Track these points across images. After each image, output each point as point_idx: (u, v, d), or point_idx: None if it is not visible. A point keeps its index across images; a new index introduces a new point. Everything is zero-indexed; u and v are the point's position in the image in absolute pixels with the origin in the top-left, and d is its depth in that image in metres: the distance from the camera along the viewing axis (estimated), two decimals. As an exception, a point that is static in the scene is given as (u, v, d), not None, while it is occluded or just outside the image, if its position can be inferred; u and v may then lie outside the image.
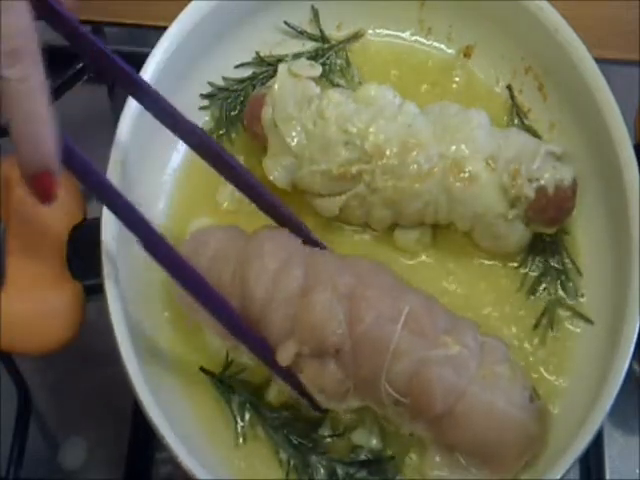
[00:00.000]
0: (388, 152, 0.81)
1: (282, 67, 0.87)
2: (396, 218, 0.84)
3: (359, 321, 0.74)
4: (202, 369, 0.81)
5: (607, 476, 0.88)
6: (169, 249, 0.73)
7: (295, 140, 0.83)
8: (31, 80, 0.64)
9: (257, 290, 0.76)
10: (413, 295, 0.77)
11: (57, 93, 0.94)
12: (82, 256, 0.78)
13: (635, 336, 0.75)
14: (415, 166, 0.81)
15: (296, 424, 0.80)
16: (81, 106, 0.97)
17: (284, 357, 0.75)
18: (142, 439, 0.88)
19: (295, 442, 0.79)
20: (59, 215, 0.79)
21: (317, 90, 0.86)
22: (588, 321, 0.83)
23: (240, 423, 0.80)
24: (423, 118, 0.84)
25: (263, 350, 0.76)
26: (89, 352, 0.84)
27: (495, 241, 0.84)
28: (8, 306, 0.75)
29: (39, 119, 0.66)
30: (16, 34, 0.64)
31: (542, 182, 0.81)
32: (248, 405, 0.80)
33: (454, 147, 0.81)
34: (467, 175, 0.81)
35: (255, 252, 0.77)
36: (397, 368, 0.73)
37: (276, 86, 0.85)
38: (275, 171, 0.84)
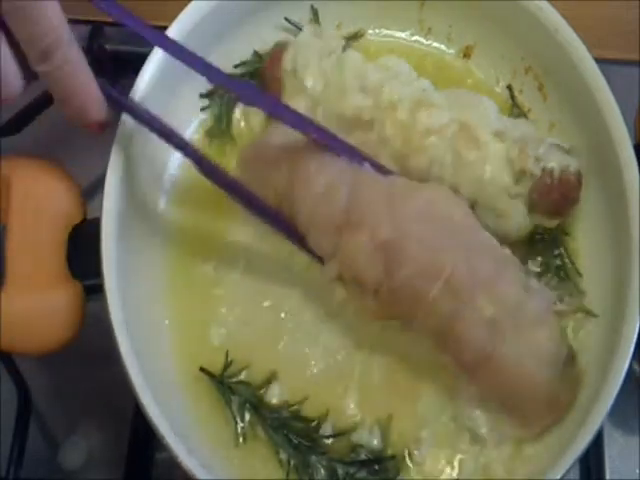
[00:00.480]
0: (400, 108, 0.82)
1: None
2: (402, 175, 0.84)
3: (398, 269, 0.75)
4: (202, 369, 0.81)
5: (607, 476, 0.88)
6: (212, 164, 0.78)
7: (313, 83, 0.85)
8: (66, 66, 0.67)
9: (302, 210, 0.78)
10: (461, 242, 0.76)
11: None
12: (82, 256, 0.78)
13: (635, 336, 0.75)
14: (426, 122, 0.82)
15: (296, 424, 0.80)
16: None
17: (328, 275, 0.78)
18: (142, 439, 0.88)
19: (295, 442, 0.79)
20: (59, 215, 0.79)
21: (339, 46, 0.88)
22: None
23: (240, 423, 0.80)
24: (436, 91, 0.85)
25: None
26: (89, 352, 0.84)
27: (496, 219, 0.82)
28: (8, 306, 0.76)
29: (83, 92, 0.69)
30: (47, 33, 0.65)
31: (548, 164, 0.81)
32: (248, 405, 0.80)
33: (465, 113, 0.82)
34: (476, 140, 0.81)
35: (302, 171, 0.79)
36: (431, 319, 0.75)
37: (299, 37, 0.88)
38: None
